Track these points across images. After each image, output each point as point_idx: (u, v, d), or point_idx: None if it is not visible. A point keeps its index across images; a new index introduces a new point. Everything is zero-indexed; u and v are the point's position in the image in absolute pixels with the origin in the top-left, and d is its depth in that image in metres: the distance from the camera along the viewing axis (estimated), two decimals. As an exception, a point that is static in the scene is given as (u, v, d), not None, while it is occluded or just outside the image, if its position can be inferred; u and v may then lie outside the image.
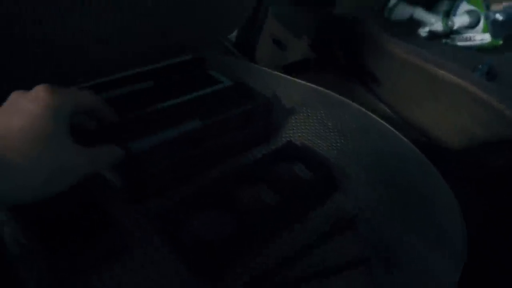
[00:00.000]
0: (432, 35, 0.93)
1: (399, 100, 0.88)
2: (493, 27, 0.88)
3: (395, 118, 0.90)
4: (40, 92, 0.30)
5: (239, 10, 0.61)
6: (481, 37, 0.90)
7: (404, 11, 0.97)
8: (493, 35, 0.89)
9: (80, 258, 0.34)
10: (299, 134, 0.51)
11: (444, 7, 0.96)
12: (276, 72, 0.57)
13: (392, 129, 0.52)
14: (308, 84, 0.55)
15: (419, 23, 0.95)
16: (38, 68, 0.46)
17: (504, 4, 0.89)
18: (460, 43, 0.92)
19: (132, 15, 0.48)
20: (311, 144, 0.50)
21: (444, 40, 0.94)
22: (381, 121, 0.52)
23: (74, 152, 0.31)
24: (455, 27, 0.90)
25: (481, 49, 0.91)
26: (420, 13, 0.95)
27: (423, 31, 0.93)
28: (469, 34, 0.91)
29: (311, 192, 0.44)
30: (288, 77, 0.56)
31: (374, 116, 0.52)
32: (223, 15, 0.61)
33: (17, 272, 0.33)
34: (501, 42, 0.90)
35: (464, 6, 0.91)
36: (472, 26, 0.90)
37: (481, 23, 0.89)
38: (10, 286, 0.33)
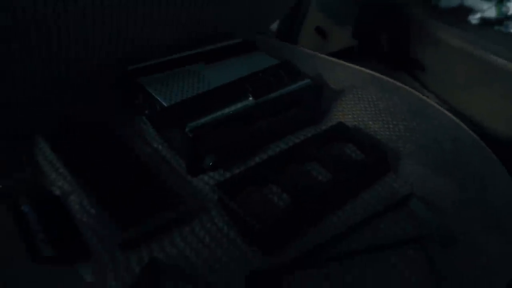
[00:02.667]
0: (484, 22, 0.89)
1: (448, 89, 0.86)
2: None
3: (443, 107, 0.87)
4: None
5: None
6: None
7: (453, -2, 0.94)
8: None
9: (143, 228, 0.35)
10: (350, 116, 0.50)
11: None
12: (325, 56, 0.57)
13: (445, 111, 0.50)
14: (358, 67, 0.55)
15: (470, 10, 0.91)
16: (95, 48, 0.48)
17: None
18: (514, 30, 0.88)
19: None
20: (362, 126, 0.49)
21: (497, 27, 0.90)
22: (433, 103, 0.50)
23: None
24: (510, 13, 0.86)
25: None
26: (471, 0, 0.91)
27: (474, 18, 0.90)
28: (524, 20, 0.87)
29: (363, 172, 0.43)
30: (338, 60, 0.56)
31: (425, 98, 0.51)
32: (272, 3, 0.61)
33: (85, 239, 0.35)
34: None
35: (520, -9, 0.87)
36: (528, 11, 0.86)
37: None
38: (79, 251, 0.34)
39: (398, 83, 0.53)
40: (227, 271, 0.34)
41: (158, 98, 0.44)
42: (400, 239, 0.38)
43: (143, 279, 0.32)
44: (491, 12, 0.87)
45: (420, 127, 0.49)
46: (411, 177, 0.44)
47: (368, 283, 0.35)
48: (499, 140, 0.77)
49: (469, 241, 0.39)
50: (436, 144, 0.47)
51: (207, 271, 0.33)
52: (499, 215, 0.42)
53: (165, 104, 0.43)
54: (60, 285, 0.33)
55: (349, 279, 0.34)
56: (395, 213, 0.40)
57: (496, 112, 0.77)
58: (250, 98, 0.44)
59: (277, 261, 0.34)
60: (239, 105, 0.43)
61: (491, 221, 0.41)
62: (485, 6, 0.89)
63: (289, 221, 0.37)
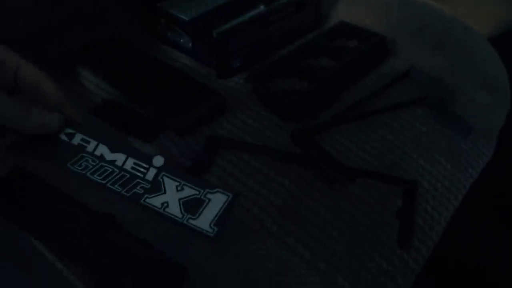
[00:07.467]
0: None
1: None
2: None
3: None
4: None
5: None
6: None
7: None
8: None
9: (192, 117, 0.41)
10: (348, 17, 0.56)
11: None
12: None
13: (432, 2, 0.57)
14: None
15: None
16: None
17: None
18: None
19: None
20: (361, 23, 0.55)
21: None
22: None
23: None
24: None
25: None
26: None
27: None
28: None
29: (367, 56, 0.50)
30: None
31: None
32: None
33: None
34: None
35: None
36: None
37: None
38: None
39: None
40: (271, 139, 0.41)
41: (180, 16, 0.49)
42: (408, 100, 0.45)
43: (206, 150, 0.38)
44: None
45: (411, 16, 0.55)
46: (409, 57, 0.51)
47: (387, 135, 0.42)
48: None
49: (463, 97, 0.47)
50: (427, 28, 0.54)
51: (255, 141, 0.40)
52: (485, 76, 0.49)
53: (186, 19, 0.48)
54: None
55: (369, 134, 0.42)
56: (400, 84, 0.47)
57: (476, 11, 0.83)
58: (261, 6, 0.49)
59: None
60: (253, 12, 0.48)
61: (479, 81, 0.48)
62: None
63: (312, 96, 0.44)
